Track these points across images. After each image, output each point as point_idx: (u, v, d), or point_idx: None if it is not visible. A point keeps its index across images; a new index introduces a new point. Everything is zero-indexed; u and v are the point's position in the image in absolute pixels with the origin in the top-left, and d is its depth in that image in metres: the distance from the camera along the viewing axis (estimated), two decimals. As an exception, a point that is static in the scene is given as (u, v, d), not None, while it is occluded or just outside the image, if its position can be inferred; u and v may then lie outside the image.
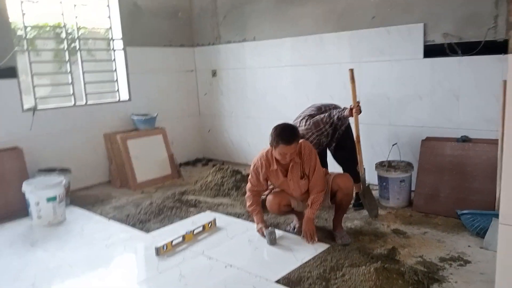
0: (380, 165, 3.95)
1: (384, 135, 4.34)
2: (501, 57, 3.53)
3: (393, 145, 4.16)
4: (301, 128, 3.47)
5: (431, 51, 3.94)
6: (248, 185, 3.21)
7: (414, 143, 4.07)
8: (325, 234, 3.25)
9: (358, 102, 3.47)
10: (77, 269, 2.84)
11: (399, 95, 4.21)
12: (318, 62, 4.75)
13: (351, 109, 3.44)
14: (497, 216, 2.82)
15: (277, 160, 3.02)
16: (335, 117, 3.51)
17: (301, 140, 3.05)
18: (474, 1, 3.67)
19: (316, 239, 3.04)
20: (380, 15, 4.21)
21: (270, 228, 3.13)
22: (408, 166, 3.89)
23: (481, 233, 3.05)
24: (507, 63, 1.89)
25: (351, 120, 3.56)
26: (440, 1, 3.84)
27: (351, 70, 3.50)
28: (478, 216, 3.10)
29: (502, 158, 3.15)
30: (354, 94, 3.49)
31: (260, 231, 3.17)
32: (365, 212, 3.68)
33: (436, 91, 3.98)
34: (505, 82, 3.20)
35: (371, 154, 4.28)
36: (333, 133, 3.69)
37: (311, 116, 3.59)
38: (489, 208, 3.26)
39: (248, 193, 3.22)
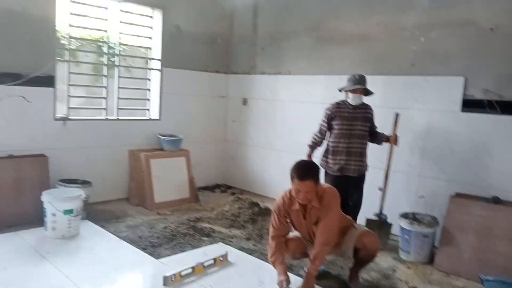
0: (404, 217, 3.79)
1: (411, 184, 4.18)
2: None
3: (419, 197, 4.01)
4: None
5: (470, 105, 3.83)
6: (271, 231, 2.99)
7: (440, 196, 3.91)
8: (338, 284, 3.12)
9: (396, 135, 3.81)
10: (81, 288, 2.77)
11: (430, 146, 4.08)
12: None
13: (388, 138, 3.82)
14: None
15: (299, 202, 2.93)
16: (377, 130, 3.90)
17: (326, 186, 2.96)
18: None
19: None
20: (419, 63, 4.14)
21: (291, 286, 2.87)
22: (433, 221, 3.72)
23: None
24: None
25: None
26: (482, 57, 3.75)
27: (397, 115, 3.84)
28: (503, 284, 2.91)
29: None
30: (394, 131, 3.84)
31: (280, 284, 2.87)
32: (383, 264, 3.51)
33: (470, 146, 3.84)
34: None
35: (396, 202, 4.11)
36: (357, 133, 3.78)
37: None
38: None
39: (270, 241, 2.97)
